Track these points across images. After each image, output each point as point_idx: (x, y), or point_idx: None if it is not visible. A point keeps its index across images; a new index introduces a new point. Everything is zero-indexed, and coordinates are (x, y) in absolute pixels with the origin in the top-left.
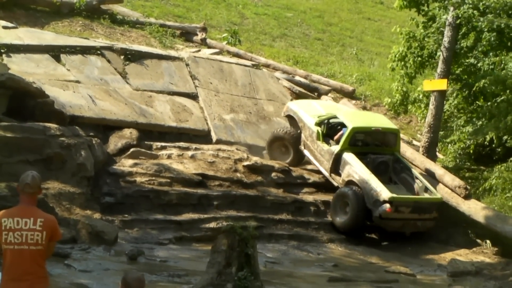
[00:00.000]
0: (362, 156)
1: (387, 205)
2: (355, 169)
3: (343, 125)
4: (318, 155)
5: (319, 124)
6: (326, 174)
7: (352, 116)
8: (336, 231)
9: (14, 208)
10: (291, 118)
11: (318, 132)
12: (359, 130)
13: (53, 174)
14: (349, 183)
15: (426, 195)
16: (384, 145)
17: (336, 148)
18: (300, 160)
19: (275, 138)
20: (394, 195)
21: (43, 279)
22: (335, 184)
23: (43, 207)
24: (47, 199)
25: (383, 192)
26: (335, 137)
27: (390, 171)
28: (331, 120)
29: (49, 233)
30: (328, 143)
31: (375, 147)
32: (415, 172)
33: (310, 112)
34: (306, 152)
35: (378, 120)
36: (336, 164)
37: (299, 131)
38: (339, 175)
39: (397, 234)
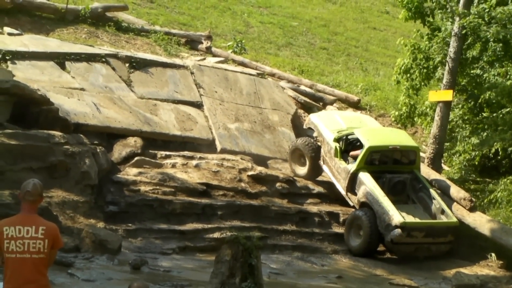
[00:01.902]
0: (379, 174)
1: (399, 230)
2: (369, 190)
3: (361, 144)
4: (336, 172)
5: (337, 140)
6: (343, 192)
7: (369, 135)
8: (340, 243)
9: (16, 216)
10: (313, 131)
11: (336, 148)
12: (375, 150)
13: (57, 182)
14: (364, 204)
15: (443, 217)
16: (403, 163)
17: (352, 167)
18: (317, 174)
19: (295, 148)
20: (407, 220)
21: (46, 287)
22: (351, 203)
23: (47, 216)
24: (51, 207)
25: (395, 217)
26: (352, 153)
27: (408, 191)
28: (349, 137)
29: (51, 241)
30: (346, 161)
31: (393, 165)
32: (433, 192)
33: (330, 126)
34: (325, 168)
35: (397, 137)
36: (352, 184)
37: (318, 144)
38: (355, 194)
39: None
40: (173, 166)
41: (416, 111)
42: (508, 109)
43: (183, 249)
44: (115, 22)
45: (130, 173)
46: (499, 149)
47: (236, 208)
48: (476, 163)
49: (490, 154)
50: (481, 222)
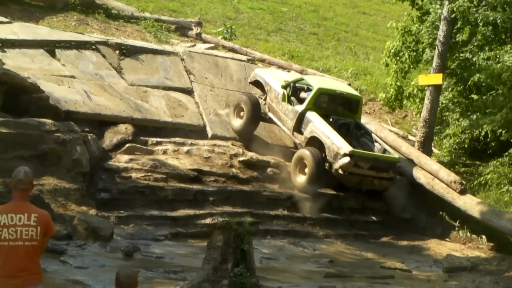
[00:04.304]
0: (324, 118)
1: (348, 158)
2: (318, 125)
3: (308, 89)
4: (283, 115)
5: (285, 87)
6: (289, 132)
7: (318, 80)
8: (332, 227)
9: (7, 204)
10: (257, 85)
11: (284, 93)
12: (324, 92)
13: (48, 170)
14: (311, 139)
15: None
16: (347, 110)
17: (300, 108)
18: (253, 127)
19: (237, 103)
20: (355, 150)
21: (38, 275)
22: (297, 142)
23: (39, 203)
24: (43, 195)
25: (344, 146)
26: (301, 96)
27: (351, 134)
28: (297, 84)
29: (43, 228)
30: (292, 105)
31: (338, 111)
32: (375, 136)
33: (276, 78)
34: (270, 114)
35: (343, 86)
36: (300, 123)
37: (258, 100)
38: (301, 133)
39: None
40: (164, 152)
41: (404, 93)
42: (497, 92)
43: (175, 236)
44: (105, 9)
45: (121, 160)
46: (489, 132)
47: (228, 193)
48: (466, 145)
49: (480, 137)
50: (471, 204)
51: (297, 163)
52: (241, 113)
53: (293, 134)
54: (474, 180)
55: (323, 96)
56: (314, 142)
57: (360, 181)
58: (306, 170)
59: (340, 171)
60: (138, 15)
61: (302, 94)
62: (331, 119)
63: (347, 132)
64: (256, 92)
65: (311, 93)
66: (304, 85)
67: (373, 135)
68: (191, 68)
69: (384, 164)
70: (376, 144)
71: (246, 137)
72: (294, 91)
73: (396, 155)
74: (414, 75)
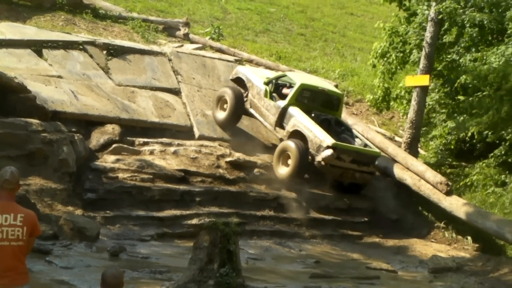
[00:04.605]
0: (306, 113)
1: (330, 150)
2: (300, 119)
3: (290, 85)
4: (265, 111)
5: (267, 83)
6: (271, 128)
7: (301, 76)
8: (318, 228)
9: None
10: (238, 82)
11: (266, 90)
12: (306, 88)
13: (35, 170)
14: (294, 133)
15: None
16: (328, 107)
17: (283, 103)
18: (237, 119)
19: (220, 96)
20: (337, 142)
21: (24, 275)
22: (279, 136)
23: (25, 203)
24: (29, 195)
25: (327, 139)
26: (283, 92)
27: (332, 130)
28: (279, 80)
29: (29, 228)
30: (274, 101)
31: (319, 107)
32: (355, 132)
33: (258, 75)
34: (251, 110)
35: (325, 84)
36: (282, 118)
37: (242, 92)
38: (283, 128)
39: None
40: (151, 153)
41: (391, 94)
42: (484, 93)
43: (161, 236)
44: (92, 9)
45: (108, 160)
46: (475, 133)
47: (214, 194)
48: (452, 147)
49: (466, 138)
50: (457, 205)
51: (280, 155)
52: (225, 106)
53: (275, 129)
54: (460, 181)
55: (306, 92)
56: (296, 136)
57: (342, 173)
58: (290, 162)
59: (323, 163)
60: (126, 15)
61: (285, 90)
62: (312, 115)
63: (328, 127)
64: None
65: (294, 89)
66: (287, 81)
67: (353, 131)
68: (179, 69)
69: (365, 157)
70: (356, 139)
71: (229, 129)
72: (276, 88)
73: (377, 150)
74: (401, 76)
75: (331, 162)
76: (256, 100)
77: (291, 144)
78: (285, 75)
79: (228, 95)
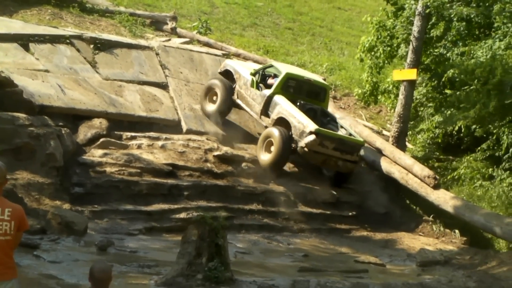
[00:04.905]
0: (292, 102)
1: (313, 136)
2: (285, 107)
3: (275, 76)
4: (250, 100)
5: (254, 74)
6: (256, 116)
7: (287, 66)
8: (306, 222)
9: None
10: (226, 75)
11: (252, 80)
12: (292, 77)
13: (22, 164)
14: (278, 120)
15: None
16: (314, 98)
17: (268, 92)
18: (227, 110)
19: (209, 87)
20: (320, 128)
21: (12, 270)
22: (264, 124)
23: (12, 198)
24: (16, 189)
25: (310, 124)
26: (268, 82)
27: (317, 120)
28: (265, 71)
29: (17, 223)
30: (260, 90)
31: (305, 97)
32: (341, 122)
33: (246, 67)
34: (238, 101)
35: (311, 75)
36: (267, 106)
37: (230, 83)
38: (269, 116)
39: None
40: (139, 147)
41: (379, 89)
42: (471, 87)
43: (149, 230)
44: (79, 3)
45: (95, 154)
46: (462, 127)
47: (202, 188)
48: (440, 140)
49: (454, 132)
50: (444, 199)
51: (264, 141)
52: (214, 98)
53: (260, 117)
54: (447, 175)
55: (291, 81)
56: (281, 124)
57: (324, 160)
58: (272, 149)
59: (306, 149)
60: (113, 9)
61: (270, 81)
62: (298, 104)
63: (313, 117)
64: None
65: (279, 78)
66: (273, 71)
67: (339, 121)
68: (166, 63)
69: (348, 146)
70: (342, 129)
71: (218, 121)
72: (262, 78)
73: (361, 139)
74: (389, 71)
75: (313, 148)
76: (243, 90)
77: (274, 131)
78: (271, 66)
79: (218, 87)
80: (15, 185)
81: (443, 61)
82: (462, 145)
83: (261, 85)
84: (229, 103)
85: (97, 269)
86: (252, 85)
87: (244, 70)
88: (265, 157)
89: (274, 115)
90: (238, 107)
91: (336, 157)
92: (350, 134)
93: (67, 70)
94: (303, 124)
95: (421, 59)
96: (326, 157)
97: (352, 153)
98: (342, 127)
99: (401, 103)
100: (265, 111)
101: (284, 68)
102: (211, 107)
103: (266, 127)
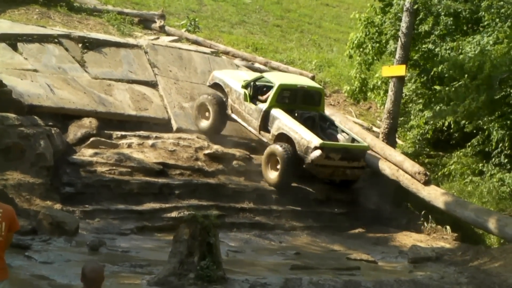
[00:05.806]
0: (289, 113)
1: (319, 151)
2: (285, 122)
3: (268, 87)
4: (247, 115)
5: (245, 86)
6: (256, 132)
7: (278, 76)
8: (297, 219)
9: None
10: (217, 87)
11: (245, 93)
12: (285, 87)
13: (12, 164)
14: (279, 136)
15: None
16: (310, 103)
17: (264, 106)
18: (221, 126)
19: (201, 103)
20: (325, 142)
21: (3, 270)
22: (265, 140)
23: (3, 198)
24: (6, 190)
25: (314, 139)
26: (263, 97)
27: (317, 127)
28: (257, 82)
29: (8, 223)
30: (255, 104)
31: (301, 105)
32: (341, 126)
33: (236, 78)
34: (234, 116)
35: (303, 80)
36: (265, 121)
37: (223, 98)
38: (268, 131)
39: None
40: (129, 146)
41: (368, 85)
42: (460, 82)
43: (141, 229)
44: (67, 2)
45: (86, 154)
46: (452, 123)
47: (193, 187)
48: (430, 137)
49: (443, 128)
50: (435, 195)
51: (269, 159)
52: (206, 114)
53: (260, 133)
54: (438, 171)
55: (285, 92)
56: (282, 139)
57: (333, 172)
58: (279, 166)
59: (312, 165)
60: (101, 8)
61: (265, 96)
62: (296, 114)
63: (313, 125)
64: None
65: (273, 90)
66: (264, 82)
67: (339, 125)
68: (155, 61)
69: (354, 153)
70: (343, 134)
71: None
72: (255, 90)
73: (365, 143)
74: (378, 67)
75: (320, 162)
76: (237, 105)
77: (278, 148)
78: (262, 77)
79: (209, 101)
80: (6, 185)
81: (431, 56)
82: (452, 141)
83: (256, 100)
84: (223, 119)
85: (89, 269)
86: (245, 99)
87: (234, 82)
88: (273, 176)
89: (274, 130)
90: (234, 121)
91: (344, 166)
92: (353, 138)
93: (56, 70)
94: (307, 140)
95: (409, 55)
96: (333, 168)
97: (359, 160)
98: (343, 131)
99: (390, 100)
100: (264, 127)
101: (276, 79)
102: (204, 123)
103: (266, 142)
